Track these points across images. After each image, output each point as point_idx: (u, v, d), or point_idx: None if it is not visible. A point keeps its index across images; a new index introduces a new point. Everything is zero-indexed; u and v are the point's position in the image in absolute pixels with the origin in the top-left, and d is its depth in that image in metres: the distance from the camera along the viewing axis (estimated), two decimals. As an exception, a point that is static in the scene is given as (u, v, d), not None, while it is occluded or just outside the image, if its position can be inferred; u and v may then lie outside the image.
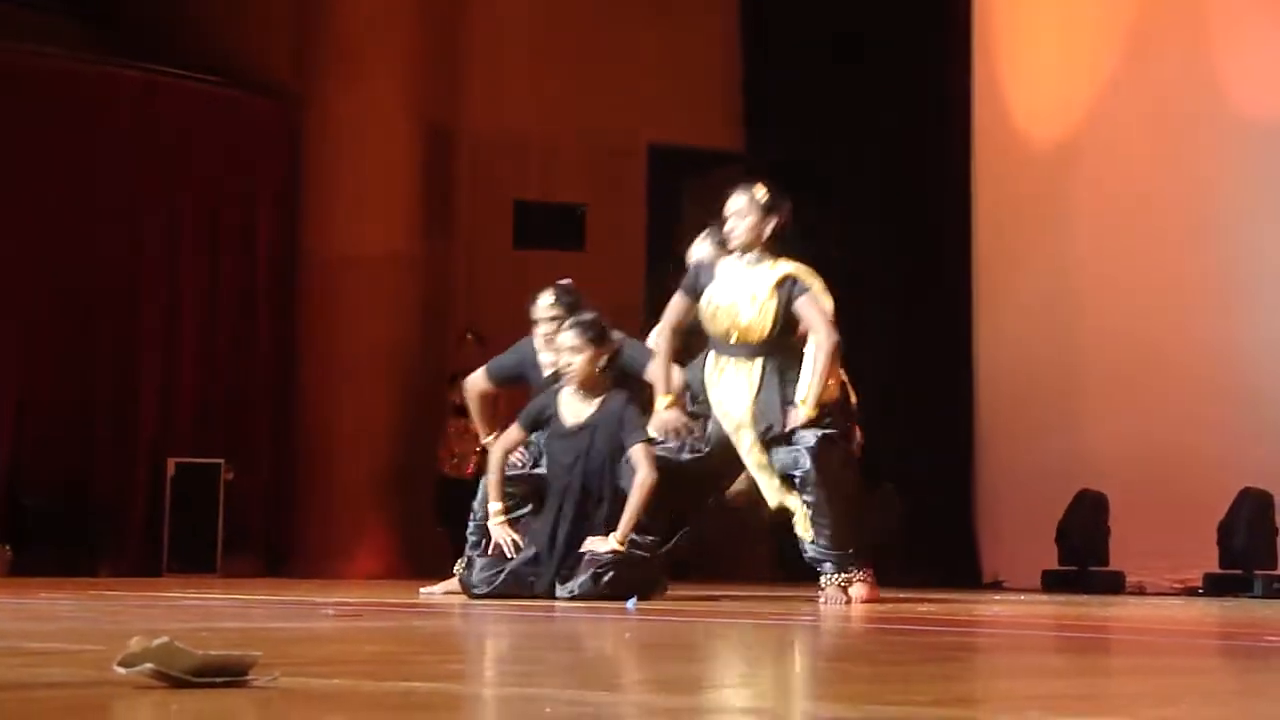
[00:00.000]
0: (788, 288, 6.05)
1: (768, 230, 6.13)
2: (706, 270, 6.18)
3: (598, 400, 6.17)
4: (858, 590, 6.07)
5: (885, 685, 2.85)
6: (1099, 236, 9.94)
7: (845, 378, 6.34)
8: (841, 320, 6.82)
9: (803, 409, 5.96)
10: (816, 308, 6.05)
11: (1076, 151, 10.17)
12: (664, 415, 6.13)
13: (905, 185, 10.81)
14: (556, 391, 6.26)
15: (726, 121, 11.85)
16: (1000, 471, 10.37)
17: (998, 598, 8.14)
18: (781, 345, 6.09)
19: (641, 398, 6.30)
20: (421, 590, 6.85)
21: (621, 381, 6.32)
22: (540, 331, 6.60)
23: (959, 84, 10.76)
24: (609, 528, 6.08)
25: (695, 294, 6.18)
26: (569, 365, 6.17)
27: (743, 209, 6.14)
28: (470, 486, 10.10)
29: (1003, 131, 10.61)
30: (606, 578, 5.97)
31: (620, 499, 6.09)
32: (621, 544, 6.01)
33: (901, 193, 10.77)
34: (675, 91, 11.74)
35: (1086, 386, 9.93)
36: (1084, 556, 9.23)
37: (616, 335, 6.45)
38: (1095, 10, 10.27)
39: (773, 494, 6.09)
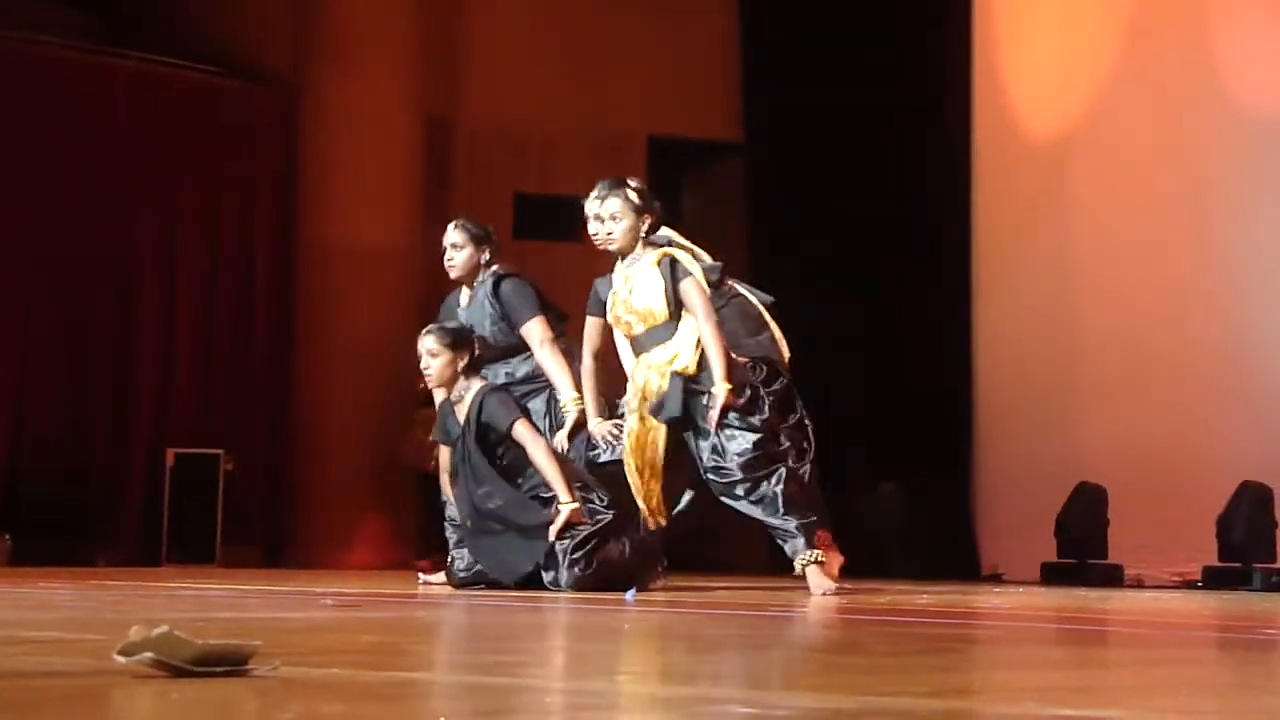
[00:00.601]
0: (666, 265, 6.11)
1: (644, 229, 6.19)
2: (604, 286, 6.27)
3: (466, 403, 6.25)
4: (830, 572, 6.02)
5: (884, 676, 2.85)
6: (1098, 232, 9.93)
7: (778, 334, 6.35)
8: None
9: (720, 388, 5.95)
10: (698, 291, 6.09)
11: (1076, 147, 10.17)
12: (596, 429, 6.26)
13: (904, 180, 10.81)
14: (443, 400, 6.36)
15: (726, 113, 11.84)
16: (999, 465, 10.37)
17: (996, 590, 8.14)
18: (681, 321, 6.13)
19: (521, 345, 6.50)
20: (420, 575, 6.88)
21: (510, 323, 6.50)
22: (445, 262, 6.74)
23: (958, 78, 10.75)
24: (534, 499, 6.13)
25: (602, 311, 6.28)
26: (427, 369, 6.31)
27: (618, 212, 6.18)
28: (429, 478, 10.10)
29: (1002, 127, 10.60)
30: (580, 562, 5.99)
31: (513, 471, 6.15)
32: (571, 500, 6.02)
33: (900, 187, 10.76)
34: (675, 83, 11.73)
35: (1085, 380, 9.93)
36: (1083, 549, 9.23)
37: (496, 277, 6.61)
38: (1095, 5, 10.26)
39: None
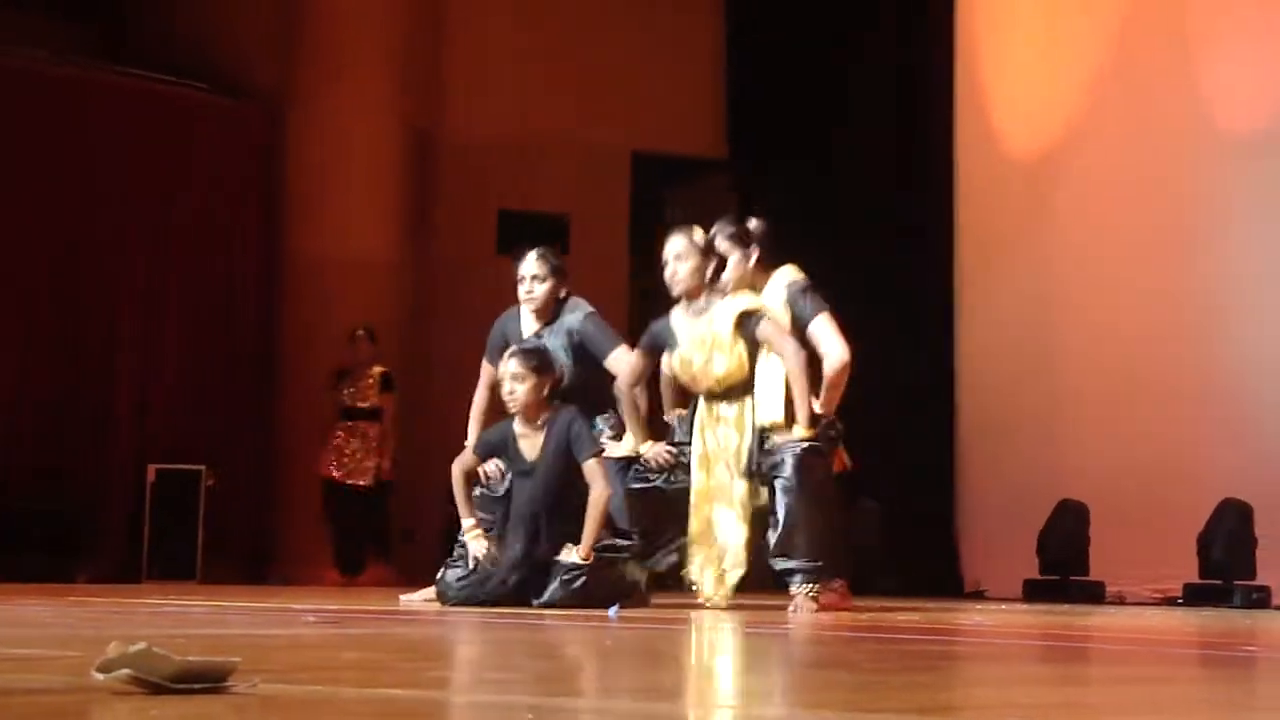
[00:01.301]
0: (749, 326, 6.09)
1: (709, 271, 6.17)
2: (666, 331, 6.21)
3: (545, 427, 6.16)
4: (829, 599, 6.08)
5: (869, 693, 2.85)
6: (1080, 250, 9.95)
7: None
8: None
9: (797, 430, 5.99)
10: (775, 329, 6.10)
11: (1058, 166, 10.19)
12: (649, 450, 6.20)
13: (887, 198, 10.83)
14: (511, 422, 6.26)
15: (710, 130, 11.87)
16: (982, 481, 10.38)
17: (979, 607, 8.15)
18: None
19: (601, 381, 6.37)
20: (401, 598, 6.85)
21: (582, 362, 6.41)
22: (521, 291, 6.64)
23: (941, 95, 10.78)
24: (573, 540, 6.09)
25: (654, 352, 6.24)
26: (512, 394, 6.17)
27: (683, 252, 6.15)
28: (365, 496, 9.94)
29: (985, 144, 10.62)
30: (575, 585, 5.99)
31: (579, 513, 6.08)
32: (586, 558, 6.03)
33: (883, 205, 10.79)
34: (659, 99, 11.76)
35: (1068, 397, 9.94)
36: (1065, 566, 9.25)
37: (579, 314, 6.52)
38: (1078, 26, 10.29)
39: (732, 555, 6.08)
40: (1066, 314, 10.00)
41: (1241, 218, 9.21)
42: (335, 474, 9.95)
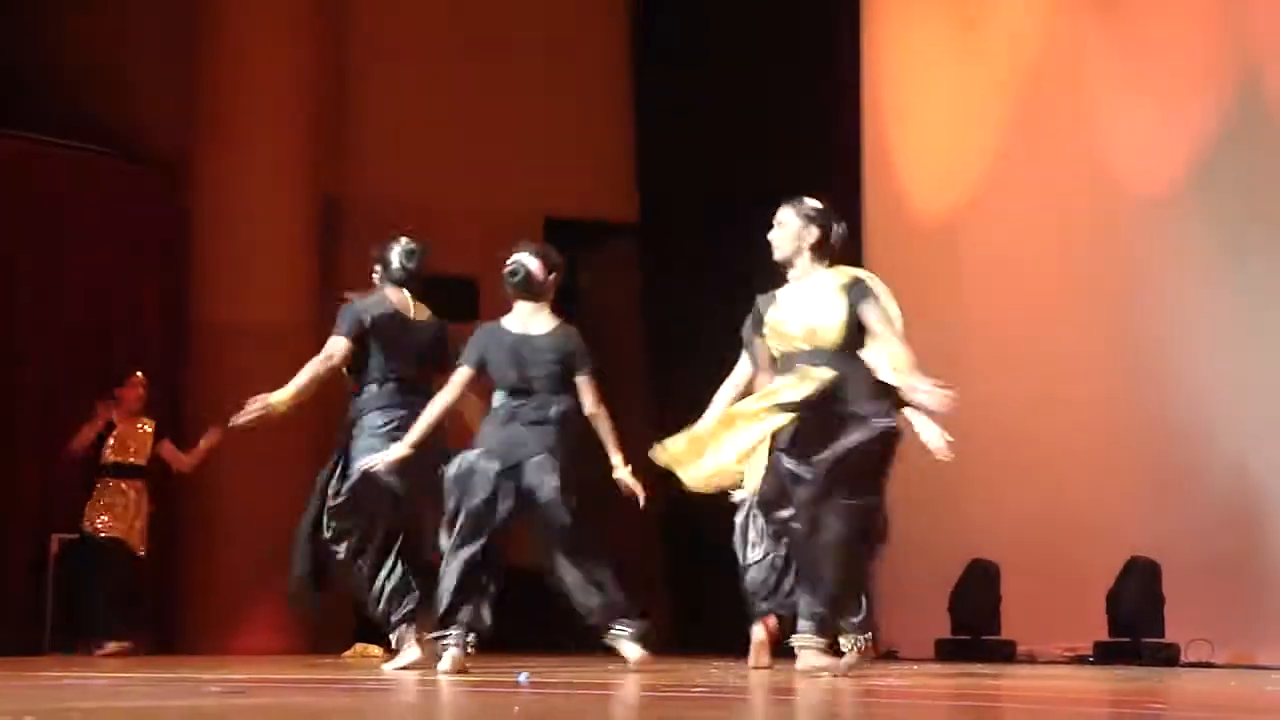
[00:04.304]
0: (856, 290, 5.95)
1: (809, 240, 6.05)
2: (765, 302, 6.16)
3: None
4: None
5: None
6: (986, 312, 10.05)
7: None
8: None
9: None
10: (889, 311, 5.97)
11: (964, 227, 10.30)
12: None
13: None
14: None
15: (621, 193, 11.92)
16: (893, 542, 10.39)
17: (892, 667, 8.15)
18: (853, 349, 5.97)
19: None
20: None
21: None
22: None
23: (850, 158, 10.88)
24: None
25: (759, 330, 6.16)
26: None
27: (785, 219, 6.12)
28: (133, 560, 9.28)
29: (892, 206, 10.73)
30: None
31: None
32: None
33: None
34: (570, 163, 11.80)
35: (977, 457, 9.99)
36: (976, 626, 9.29)
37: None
38: (981, 89, 10.44)
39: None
40: (973, 375, 10.07)
41: (1147, 277, 9.34)
42: (101, 531, 9.25)
